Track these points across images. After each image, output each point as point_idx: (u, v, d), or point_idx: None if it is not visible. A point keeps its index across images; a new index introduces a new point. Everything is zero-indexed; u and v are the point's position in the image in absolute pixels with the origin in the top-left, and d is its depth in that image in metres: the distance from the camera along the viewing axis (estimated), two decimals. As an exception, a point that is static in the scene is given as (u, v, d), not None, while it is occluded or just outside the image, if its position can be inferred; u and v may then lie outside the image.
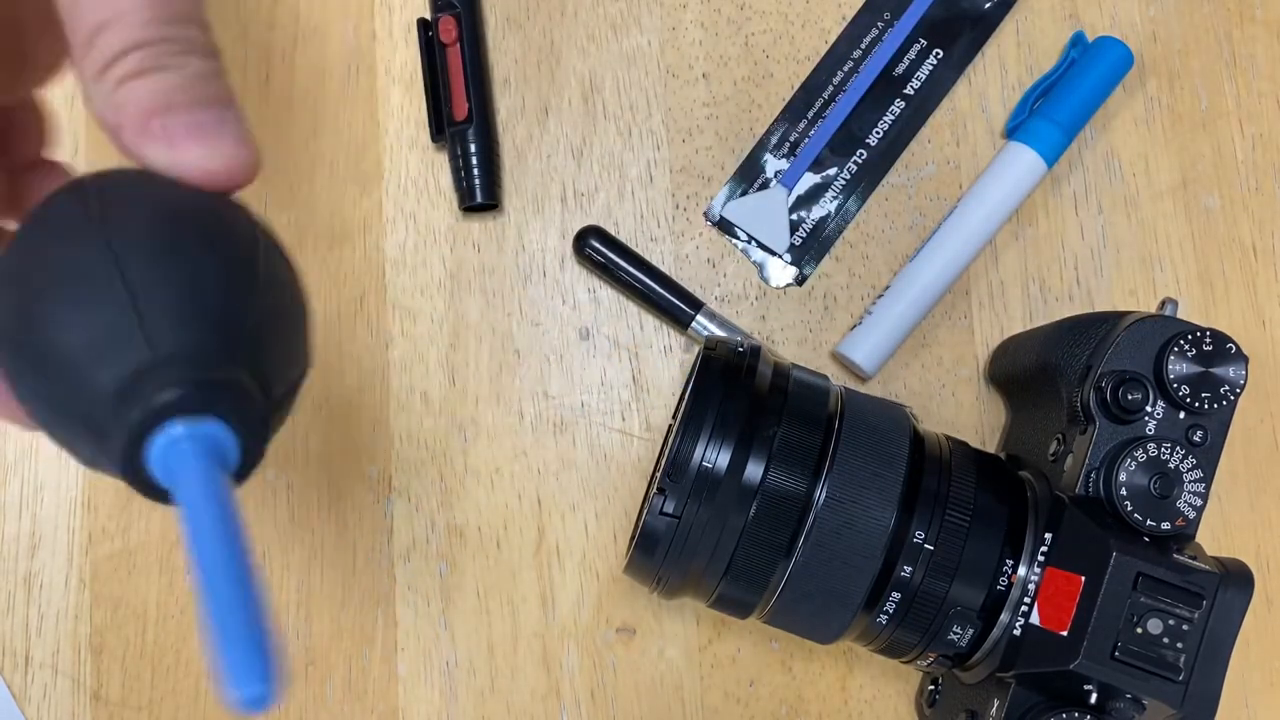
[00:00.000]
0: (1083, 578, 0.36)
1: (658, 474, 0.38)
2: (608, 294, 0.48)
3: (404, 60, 0.49)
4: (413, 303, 0.47)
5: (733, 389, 0.37)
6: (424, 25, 0.48)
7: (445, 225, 0.48)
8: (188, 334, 0.24)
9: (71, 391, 0.24)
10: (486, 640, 0.46)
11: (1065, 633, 0.36)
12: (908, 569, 0.37)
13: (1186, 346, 0.37)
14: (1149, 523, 0.36)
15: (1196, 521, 0.37)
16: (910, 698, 0.45)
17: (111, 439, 0.24)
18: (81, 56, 0.26)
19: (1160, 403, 0.38)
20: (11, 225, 0.30)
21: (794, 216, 0.48)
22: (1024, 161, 0.47)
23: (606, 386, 0.47)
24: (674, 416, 0.42)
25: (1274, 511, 0.47)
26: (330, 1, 0.49)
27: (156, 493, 0.24)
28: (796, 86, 0.49)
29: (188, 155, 0.26)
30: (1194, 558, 0.36)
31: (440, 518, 0.46)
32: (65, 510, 0.46)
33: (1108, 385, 0.38)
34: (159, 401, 0.23)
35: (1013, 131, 0.48)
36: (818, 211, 0.48)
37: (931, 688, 0.43)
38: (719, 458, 0.36)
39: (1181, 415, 0.38)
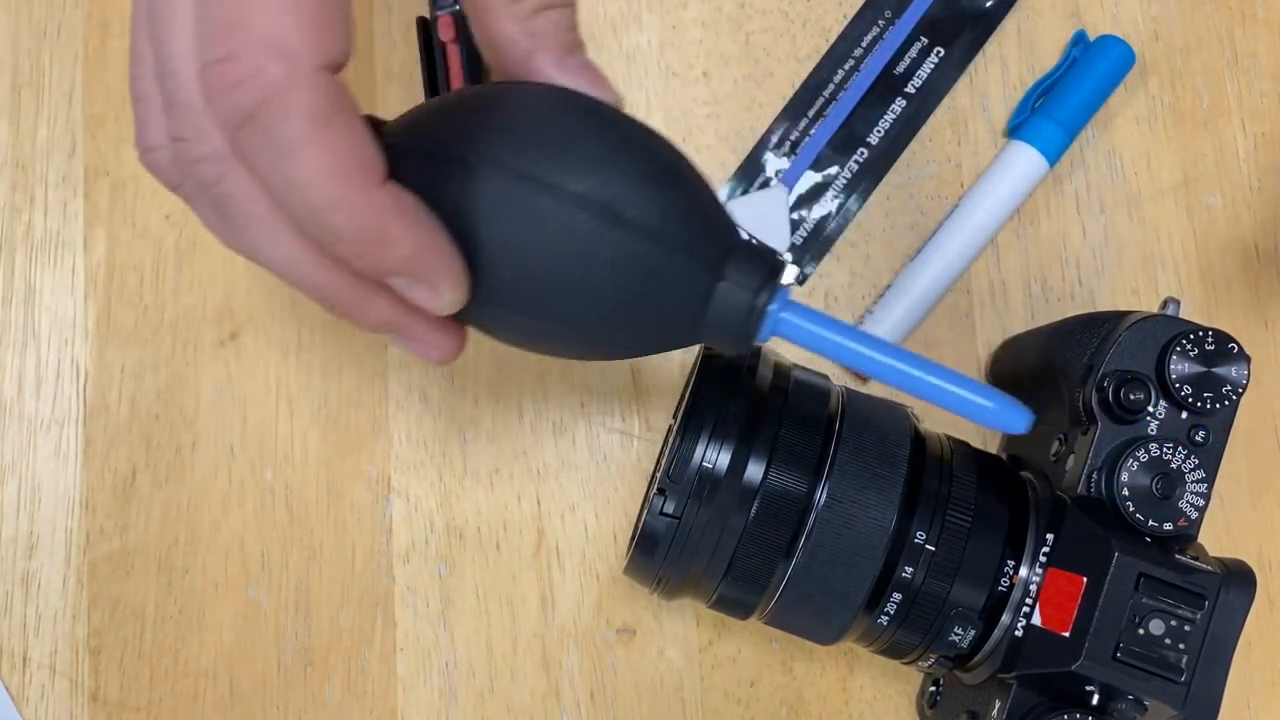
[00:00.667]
0: (1084, 578, 0.36)
1: (658, 474, 0.38)
2: (608, 293, 0.47)
3: (403, 59, 0.49)
4: (412, 302, 0.47)
5: (733, 389, 0.37)
6: (423, 24, 0.48)
7: (445, 224, 0.48)
8: (730, 217, 0.31)
9: (664, 270, 0.29)
10: (486, 641, 0.45)
11: (1067, 633, 0.36)
12: (909, 570, 0.37)
13: (1188, 346, 0.37)
14: (1151, 523, 0.36)
15: (1198, 522, 0.37)
16: (911, 698, 0.45)
17: (728, 315, 0.30)
18: None
19: (1162, 403, 0.37)
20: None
21: (795, 215, 0.48)
22: (1025, 160, 0.47)
23: (606, 386, 0.47)
24: (674, 416, 0.41)
25: (1276, 512, 0.47)
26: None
27: (750, 345, 0.31)
28: (797, 85, 0.49)
29: (598, 94, 0.32)
30: (1196, 558, 0.36)
31: (440, 518, 0.46)
32: (63, 511, 0.46)
33: (1109, 385, 0.37)
34: (775, 281, 0.30)
35: (1014, 130, 0.48)
36: (819, 210, 0.48)
37: (933, 689, 0.43)
38: (719, 458, 0.36)
39: (1183, 415, 0.37)
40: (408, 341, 0.32)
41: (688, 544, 0.36)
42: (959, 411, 0.31)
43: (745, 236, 0.32)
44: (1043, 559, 0.37)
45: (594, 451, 0.47)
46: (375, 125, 0.31)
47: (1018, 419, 0.31)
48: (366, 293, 0.30)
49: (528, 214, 0.29)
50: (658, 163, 0.30)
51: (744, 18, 0.49)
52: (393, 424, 0.47)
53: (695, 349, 0.43)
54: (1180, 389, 0.37)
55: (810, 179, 0.48)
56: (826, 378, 0.40)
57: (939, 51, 0.49)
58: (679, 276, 0.30)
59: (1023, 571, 0.37)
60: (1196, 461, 0.37)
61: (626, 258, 0.29)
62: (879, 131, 0.48)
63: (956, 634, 0.37)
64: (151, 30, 0.28)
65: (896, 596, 0.37)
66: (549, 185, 0.29)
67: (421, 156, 0.30)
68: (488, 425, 0.47)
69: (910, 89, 0.49)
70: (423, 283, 0.29)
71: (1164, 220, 0.48)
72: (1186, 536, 0.37)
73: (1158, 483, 0.37)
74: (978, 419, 0.31)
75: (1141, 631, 0.35)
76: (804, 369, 0.40)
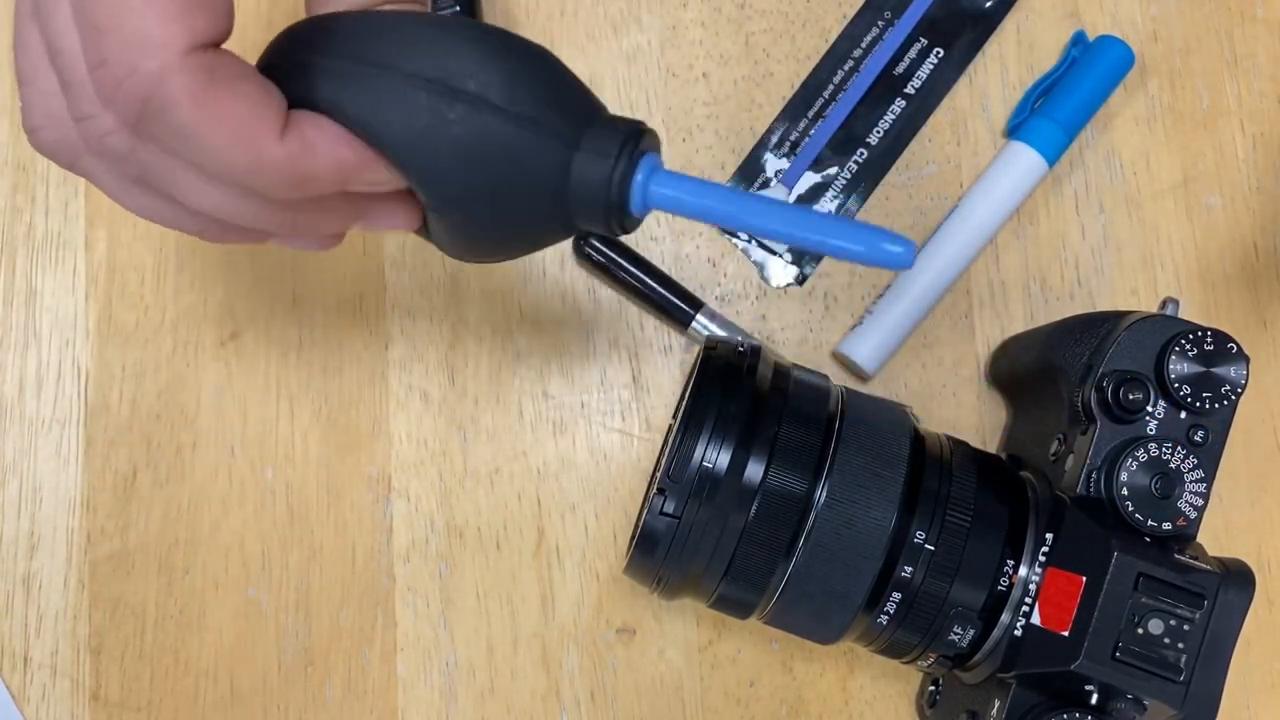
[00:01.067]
0: (1084, 578, 0.36)
1: (658, 474, 0.38)
2: (607, 294, 0.48)
3: (403, 59, 0.49)
4: (412, 303, 0.47)
5: (733, 389, 0.37)
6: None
7: (445, 225, 0.48)
8: (590, 94, 0.31)
9: (535, 141, 0.29)
10: (486, 641, 0.46)
11: (1066, 633, 0.36)
12: (908, 569, 0.37)
13: (1187, 346, 0.37)
14: (1150, 523, 0.36)
15: (1197, 521, 0.37)
16: (911, 698, 0.45)
17: (589, 189, 0.30)
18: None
19: (1161, 402, 0.38)
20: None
21: (794, 216, 0.48)
22: (1025, 161, 0.47)
23: (606, 386, 0.47)
24: (674, 416, 0.41)
25: (1275, 511, 0.47)
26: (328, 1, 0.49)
27: (629, 223, 0.31)
28: (797, 85, 0.49)
29: None
30: (1195, 558, 0.36)
31: (440, 518, 0.46)
32: (64, 511, 0.46)
33: (1109, 385, 0.38)
34: (633, 150, 0.29)
35: (1014, 131, 0.48)
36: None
37: (932, 688, 0.43)
38: (719, 458, 0.36)
39: (1183, 415, 0.38)
40: (374, 224, 0.32)
41: (688, 544, 0.36)
42: (846, 256, 0.29)
43: (612, 114, 0.31)
44: (1042, 558, 0.37)
45: (594, 451, 0.47)
46: None
47: (903, 256, 0.28)
48: (309, 209, 0.31)
49: (369, 97, 0.29)
50: (499, 42, 0.30)
51: (744, 18, 0.49)
52: (393, 424, 0.47)
53: (696, 349, 0.43)
54: (1179, 389, 0.37)
55: (810, 179, 0.48)
56: (826, 378, 0.40)
57: (939, 52, 0.49)
58: (530, 149, 0.29)
59: (1022, 571, 0.37)
60: (1195, 461, 0.37)
61: (473, 134, 0.29)
62: (879, 132, 0.49)
63: (956, 633, 0.37)
64: (37, 13, 0.29)
65: (896, 596, 0.37)
66: (384, 67, 0.29)
67: (276, 75, 0.30)
68: (488, 425, 0.47)
69: (910, 89, 0.49)
70: (366, 186, 0.30)
71: (1163, 220, 0.48)
72: (1185, 536, 0.37)
73: (1157, 482, 0.37)
74: (868, 259, 0.29)
75: (1141, 631, 0.35)
76: (804, 369, 0.40)
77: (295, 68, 0.30)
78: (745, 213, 0.29)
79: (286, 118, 0.28)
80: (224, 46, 0.28)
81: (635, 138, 0.30)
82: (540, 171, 0.30)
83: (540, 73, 0.30)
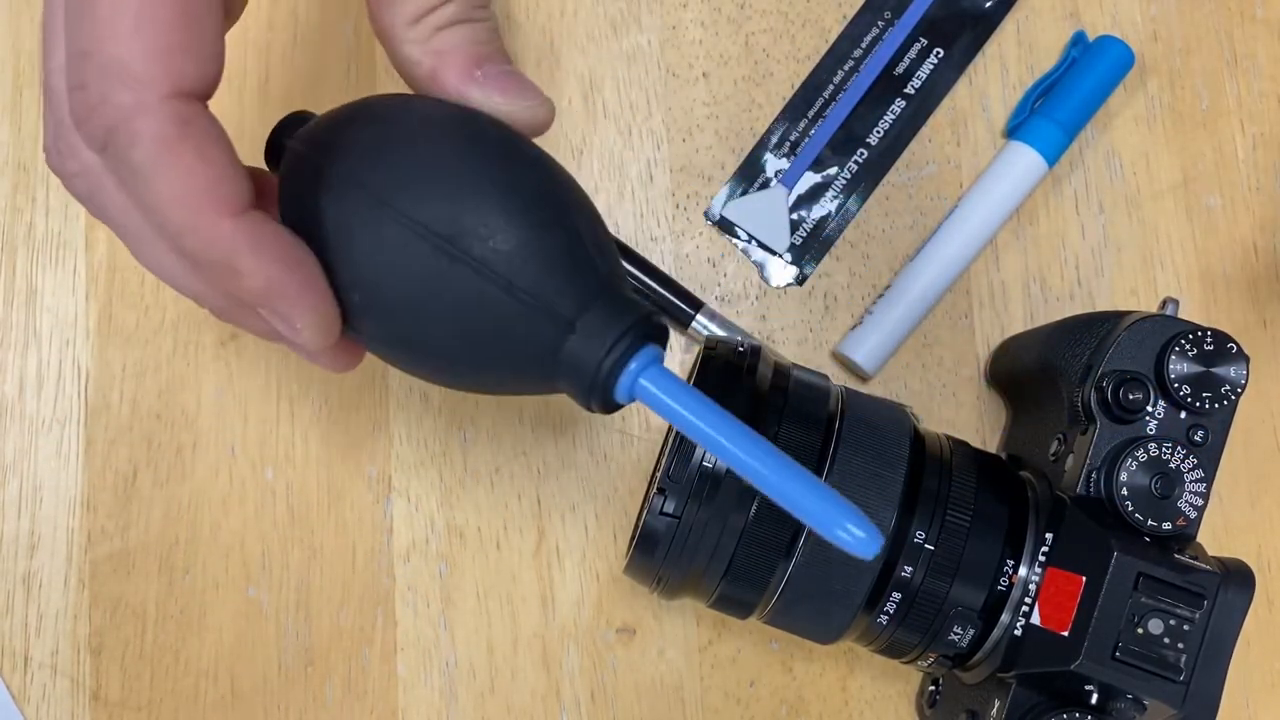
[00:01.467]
0: (1084, 578, 0.36)
1: (658, 474, 0.38)
2: (608, 294, 0.47)
3: (404, 60, 0.49)
4: (412, 302, 0.47)
5: (733, 389, 0.37)
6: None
7: (445, 225, 0.48)
8: (609, 263, 0.29)
9: (521, 319, 0.28)
10: (486, 641, 0.46)
11: (1066, 633, 0.36)
12: (908, 569, 0.37)
13: (1187, 346, 0.37)
14: (1150, 523, 0.36)
15: (1197, 521, 0.37)
16: (911, 698, 0.45)
17: (577, 370, 0.28)
18: (390, 3, 0.31)
19: (1161, 402, 0.38)
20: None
21: (794, 216, 0.48)
22: (1025, 161, 0.47)
23: (606, 386, 0.47)
24: (674, 416, 0.41)
25: (1275, 511, 0.47)
26: (329, 1, 0.49)
27: (610, 407, 0.29)
28: (797, 86, 0.49)
29: (514, 103, 0.31)
30: (1195, 558, 0.36)
31: (440, 518, 0.46)
32: (64, 510, 0.46)
33: (1108, 385, 0.38)
34: (632, 340, 0.28)
35: (1013, 131, 0.48)
36: (818, 211, 0.48)
37: (932, 688, 0.43)
38: (719, 458, 0.36)
39: (1182, 415, 0.38)
40: (295, 351, 0.32)
41: (688, 543, 0.36)
42: (808, 521, 0.27)
43: (626, 291, 0.29)
44: (1042, 558, 0.37)
45: (594, 451, 0.47)
46: (300, 120, 0.32)
47: (868, 543, 0.27)
48: (242, 306, 0.30)
49: (374, 237, 0.28)
50: (528, 200, 0.29)
51: (744, 18, 0.49)
52: (393, 424, 0.47)
53: (696, 349, 0.43)
54: (1179, 389, 0.37)
55: (810, 179, 0.48)
56: (826, 377, 0.40)
57: (938, 52, 0.49)
58: (521, 322, 0.28)
59: (1022, 571, 0.37)
60: (1195, 461, 0.37)
61: (467, 296, 0.28)
62: (878, 132, 0.49)
63: (956, 633, 0.37)
64: (41, 49, 0.30)
65: (896, 596, 0.37)
66: (398, 210, 0.28)
67: (305, 165, 0.30)
68: (488, 425, 0.47)
69: (910, 89, 0.49)
70: (278, 317, 0.29)
71: (1163, 220, 0.48)
72: (1185, 536, 0.37)
73: (1157, 482, 0.37)
74: (828, 534, 0.27)
75: (1140, 631, 0.35)
76: (804, 369, 0.40)
77: (315, 175, 0.29)
78: (727, 439, 0.28)
79: (249, 206, 0.28)
80: (221, 52, 0.28)
81: (635, 328, 0.28)
82: (528, 345, 0.28)
83: (557, 239, 0.29)
